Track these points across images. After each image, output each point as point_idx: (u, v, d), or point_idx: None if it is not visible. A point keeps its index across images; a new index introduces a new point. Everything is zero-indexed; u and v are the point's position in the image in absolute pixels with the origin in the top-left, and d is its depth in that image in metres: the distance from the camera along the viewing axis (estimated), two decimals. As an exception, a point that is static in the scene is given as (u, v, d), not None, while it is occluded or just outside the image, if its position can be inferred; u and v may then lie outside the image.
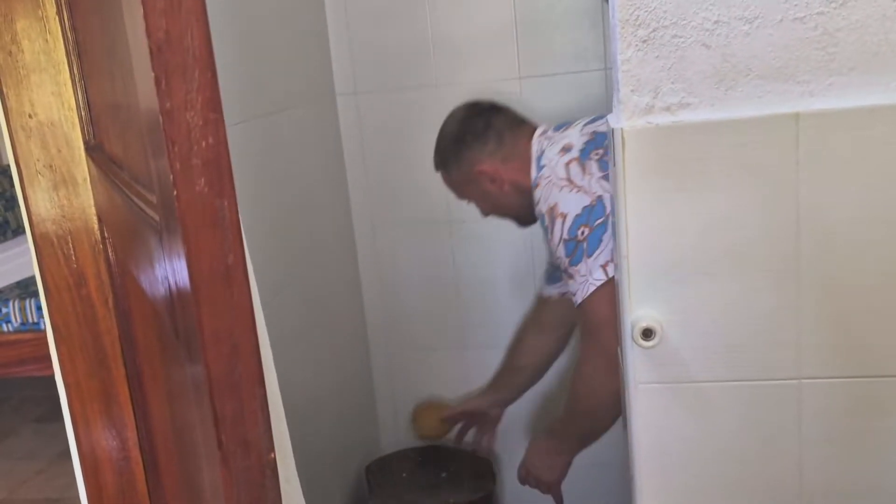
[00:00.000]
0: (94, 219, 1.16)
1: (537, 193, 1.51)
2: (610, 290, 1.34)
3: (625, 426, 2.09)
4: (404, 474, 2.11)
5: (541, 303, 1.95)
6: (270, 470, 0.50)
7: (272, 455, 0.50)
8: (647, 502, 1.18)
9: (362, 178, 2.18)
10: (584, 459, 2.15)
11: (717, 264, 1.07)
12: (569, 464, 1.73)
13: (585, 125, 1.55)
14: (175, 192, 0.45)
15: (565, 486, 2.20)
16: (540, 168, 1.52)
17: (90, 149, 1.08)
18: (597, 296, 1.41)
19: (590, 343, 1.48)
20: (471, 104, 1.69)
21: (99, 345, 1.20)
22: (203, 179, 0.45)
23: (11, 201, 3.41)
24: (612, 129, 1.08)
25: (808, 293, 1.06)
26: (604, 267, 1.39)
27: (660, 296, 1.09)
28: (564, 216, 1.42)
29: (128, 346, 1.21)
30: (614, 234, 1.13)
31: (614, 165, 1.08)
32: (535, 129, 1.63)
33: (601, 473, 2.27)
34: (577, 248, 1.40)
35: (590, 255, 1.40)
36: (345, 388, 2.09)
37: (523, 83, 2.05)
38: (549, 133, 1.60)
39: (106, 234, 1.16)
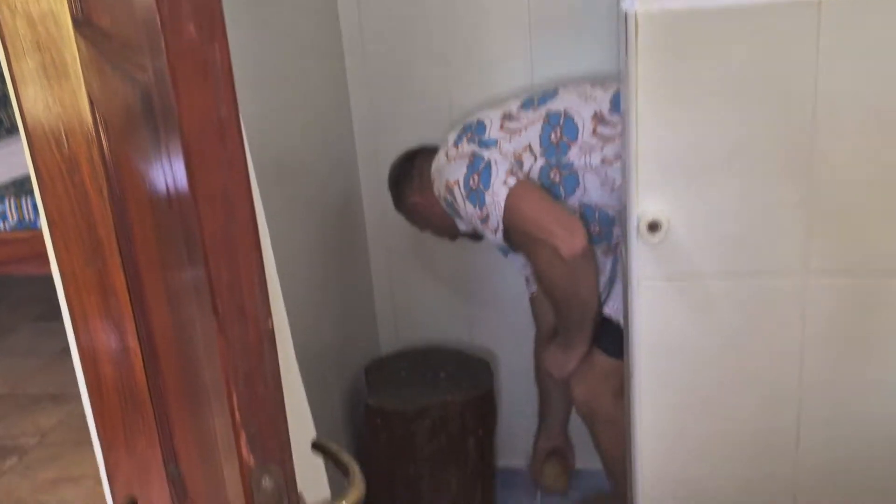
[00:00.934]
0: (86, 101, 1.12)
1: (435, 189, 1.74)
2: (519, 192, 1.55)
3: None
4: (403, 374, 2.12)
5: (534, 309, 2.12)
6: (268, 339, 0.49)
7: (270, 323, 0.48)
8: (646, 399, 1.18)
9: (360, 65, 2.11)
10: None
11: (730, 156, 1.04)
12: (579, 357, 1.80)
13: (457, 126, 1.78)
14: (163, 40, 0.42)
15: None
16: (431, 172, 1.77)
17: (78, 24, 1.03)
18: (510, 202, 1.56)
19: (527, 242, 1.61)
20: (403, 154, 1.98)
21: (94, 234, 1.18)
22: (192, 24, 0.41)
23: (3, 99, 3.34)
24: (626, 13, 1.03)
25: (819, 188, 1.04)
26: (504, 183, 1.56)
27: (668, 189, 1.07)
28: (457, 181, 1.62)
29: (124, 237, 1.19)
30: (626, 124, 1.10)
31: (626, 52, 1.04)
32: None
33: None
34: (477, 193, 1.59)
35: (487, 188, 1.57)
36: (344, 289, 2.08)
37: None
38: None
39: (98, 118, 1.12)
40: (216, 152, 0.44)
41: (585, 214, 1.63)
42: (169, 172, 0.48)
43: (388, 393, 2.02)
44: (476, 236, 1.89)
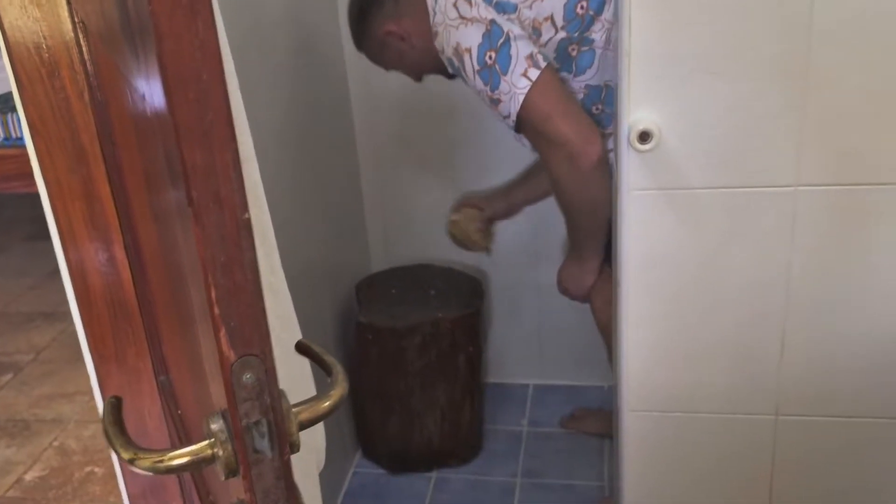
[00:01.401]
0: (64, 4, 1.08)
1: (438, 42, 1.55)
2: (542, 87, 1.41)
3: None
4: (393, 291, 2.13)
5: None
6: (245, 229, 0.48)
7: (247, 215, 0.48)
8: (633, 308, 1.18)
9: None
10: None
11: (724, 61, 1.02)
12: (595, 269, 1.73)
13: None
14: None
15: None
16: (434, 15, 1.55)
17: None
18: (529, 99, 1.43)
19: (543, 143, 1.49)
20: None
21: (77, 141, 1.16)
22: None
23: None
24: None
25: (812, 94, 1.02)
26: (524, 74, 1.42)
27: (660, 96, 1.05)
28: (469, 50, 1.46)
29: (107, 143, 1.17)
30: (618, 28, 1.07)
31: (620, -47, 1.01)
32: None
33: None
34: (492, 72, 1.44)
35: (505, 73, 1.43)
36: (334, 206, 2.07)
37: None
38: None
39: (76, 21, 1.09)
40: (187, 35, 0.42)
41: (591, 94, 1.53)
42: (143, 64, 0.47)
43: (378, 310, 2.03)
44: (451, 76, 1.69)
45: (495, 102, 1.47)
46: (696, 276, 1.15)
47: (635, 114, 1.06)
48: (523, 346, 2.42)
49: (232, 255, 0.48)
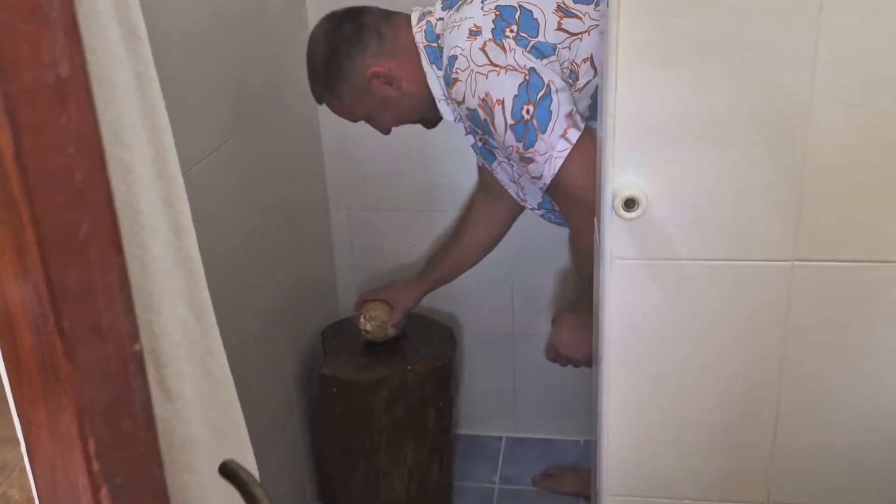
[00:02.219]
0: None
1: (458, 90, 1.34)
2: (581, 153, 1.27)
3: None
4: (361, 339, 2.02)
5: (485, 171, 1.77)
6: (136, 363, 0.38)
7: (137, 346, 0.37)
8: (615, 385, 1.09)
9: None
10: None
11: (716, 125, 0.93)
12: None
13: (485, 0, 1.35)
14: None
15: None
16: (451, 61, 1.33)
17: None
18: (569, 165, 1.30)
19: (574, 208, 1.36)
20: (327, 17, 1.50)
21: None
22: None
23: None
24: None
25: (812, 164, 0.94)
26: (563, 136, 1.28)
27: (646, 161, 0.96)
28: (502, 102, 1.28)
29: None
30: (601, 89, 0.98)
31: (607, 4, 0.92)
32: (408, 17, 1.47)
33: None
34: (528, 129, 1.28)
35: (544, 131, 1.28)
36: (303, 249, 1.96)
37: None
38: (437, 13, 1.43)
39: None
40: (55, 126, 0.33)
41: None
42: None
43: (344, 360, 1.92)
44: (430, 124, 1.56)
45: (526, 161, 1.32)
46: (682, 353, 1.05)
47: (620, 179, 0.97)
48: (496, 397, 2.32)
49: (118, 397, 0.37)
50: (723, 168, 0.95)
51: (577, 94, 1.33)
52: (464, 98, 1.33)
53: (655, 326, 1.04)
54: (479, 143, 1.53)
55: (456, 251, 1.91)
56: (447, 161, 2.06)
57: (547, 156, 1.29)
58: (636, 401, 1.09)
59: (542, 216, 1.66)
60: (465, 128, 1.50)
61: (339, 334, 2.04)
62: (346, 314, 2.24)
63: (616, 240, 1.00)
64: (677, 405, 1.09)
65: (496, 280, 2.15)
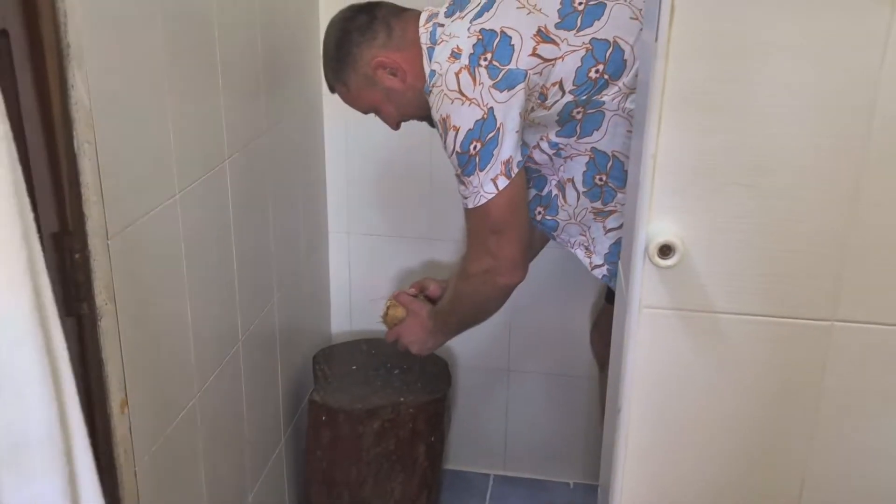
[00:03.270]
0: None
1: (431, 100, 1.44)
2: (500, 202, 1.41)
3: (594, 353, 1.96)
4: (354, 367, 1.96)
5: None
6: None
7: None
8: (633, 439, 1.03)
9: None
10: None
11: (763, 172, 0.89)
12: (442, 344, 1.77)
13: (473, 20, 1.42)
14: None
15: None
16: (431, 74, 1.44)
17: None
18: (489, 206, 1.42)
19: (478, 244, 1.50)
20: (346, 7, 1.57)
21: None
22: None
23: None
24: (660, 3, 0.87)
25: (861, 219, 0.89)
26: (493, 181, 1.40)
27: (686, 208, 0.91)
28: (457, 129, 1.38)
29: None
30: (641, 127, 0.93)
31: (655, 38, 0.88)
32: (418, 15, 1.52)
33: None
34: (470, 162, 1.40)
35: (482, 170, 1.40)
36: (296, 270, 1.90)
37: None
38: (441, 18, 1.49)
39: None
40: None
41: (597, 160, 1.46)
42: None
43: (336, 388, 1.86)
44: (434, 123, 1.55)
45: (460, 181, 1.44)
46: (708, 408, 1.00)
47: (656, 223, 0.92)
48: (487, 434, 2.26)
49: None
50: (764, 219, 0.91)
51: (545, 111, 1.42)
52: (432, 107, 1.44)
53: (682, 379, 0.99)
54: None
55: None
56: (451, 192, 2.01)
57: (476, 189, 1.42)
58: (655, 454, 1.04)
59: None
60: None
61: (332, 360, 1.98)
62: (340, 340, 2.18)
63: (647, 287, 0.95)
64: (699, 462, 1.03)
65: (494, 316, 2.10)
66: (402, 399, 1.82)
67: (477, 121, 1.36)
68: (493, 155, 1.38)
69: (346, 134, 2.02)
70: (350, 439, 1.80)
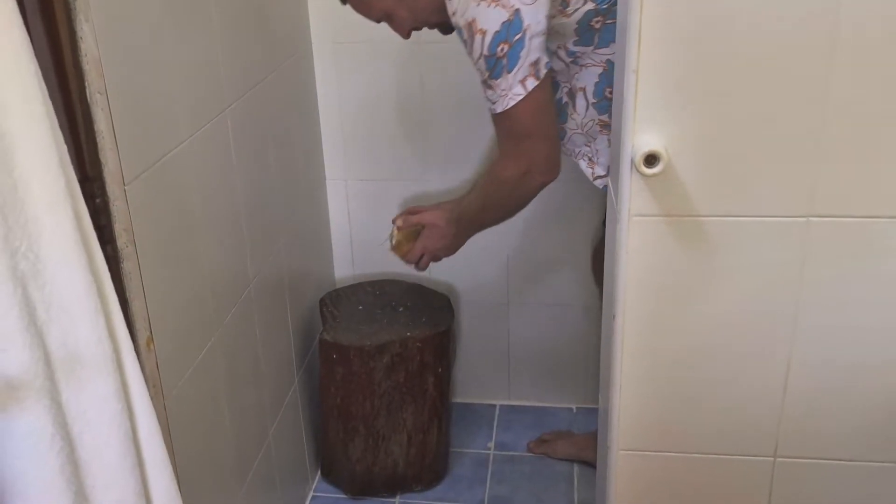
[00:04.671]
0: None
1: (452, 4, 1.44)
2: (531, 104, 1.42)
3: (593, 267, 2.03)
4: (360, 307, 2.03)
5: None
6: None
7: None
8: (629, 340, 1.11)
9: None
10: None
11: (738, 80, 0.95)
12: (461, 245, 1.78)
13: None
14: None
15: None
16: None
17: None
18: (518, 108, 1.43)
19: (511, 146, 1.51)
20: None
21: None
22: None
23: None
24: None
25: (833, 119, 0.96)
26: (522, 82, 1.41)
27: (668, 117, 0.98)
28: (484, 32, 1.38)
29: None
30: (623, 43, 0.99)
31: (631, -39, 0.93)
32: None
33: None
34: (497, 64, 1.40)
35: (510, 71, 1.40)
36: (298, 214, 1.96)
37: None
38: None
39: None
40: None
41: (609, 72, 1.48)
42: None
43: (344, 327, 1.94)
44: (448, 28, 1.55)
45: (487, 86, 1.44)
46: (697, 308, 1.08)
47: (641, 133, 0.98)
48: (491, 366, 2.34)
49: None
50: (743, 124, 0.97)
51: (565, 19, 1.44)
52: (454, 12, 1.43)
53: (672, 282, 1.06)
54: None
55: None
56: (443, 132, 2.06)
57: (504, 93, 1.42)
58: (650, 356, 1.11)
59: None
60: None
61: (338, 302, 2.05)
62: (343, 283, 2.25)
63: (634, 196, 1.02)
64: (690, 359, 1.11)
65: (491, 251, 2.17)
66: (408, 333, 1.89)
67: (503, 22, 1.36)
68: (520, 56, 1.38)
69: (337, 82, 2.06)
70: (362, 374, 1.88)
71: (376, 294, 2.10)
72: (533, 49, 1.39)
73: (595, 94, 1.54)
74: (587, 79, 1.53)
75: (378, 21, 1.59)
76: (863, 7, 0.91)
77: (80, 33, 1.02)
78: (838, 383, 1.11)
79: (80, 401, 0.73)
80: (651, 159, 0.97)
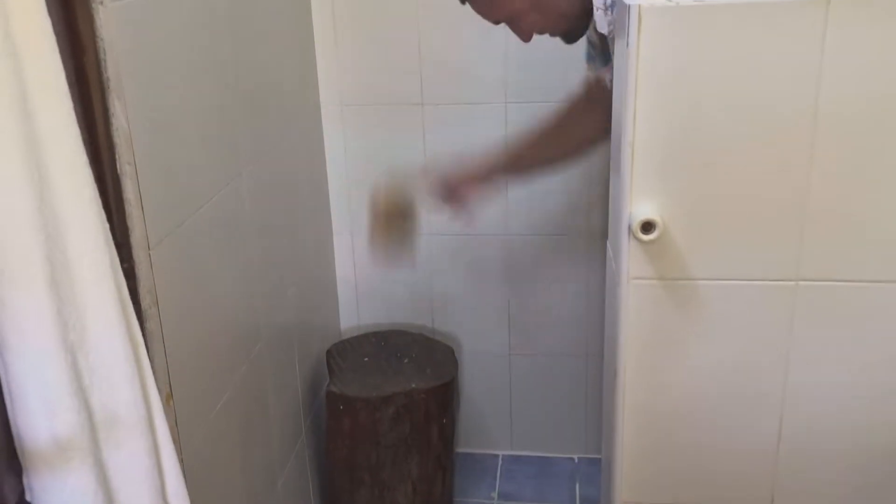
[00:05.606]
0: None
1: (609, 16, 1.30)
2: None
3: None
4: (365, 359, 2.09)
5: (589, 85, 1.59)
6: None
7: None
8: (630, 395, 1.16)
9: (332, 54, 2.05)
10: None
11: (725, 153, 1.02)
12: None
13: None
14: None
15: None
16: None
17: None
18: None
19: None
20: None
21: None
22: None
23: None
24: (628, 6, 1.00)
25: (816, 189, 1.02)
26: None
27: (662, 188, 1.04)
28: None
29: None
30: (619, 120, 1.06)
31: (626, 46, 1.01)
32: None
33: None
34: None
35: None
36: (306, 269, 2.03)
37: None
38: None
39: None
40: None
41: None
42: None
43: (351, 379, 1.98)
44: (576, 36, 1.43)
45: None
46: (693, 364, 1.13)
47: (638, 204, 1.05)
48: (494, 416, 2.39)
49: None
50: (731, 194, 1.04)
51: None
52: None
53: (669, 340, 1.12)
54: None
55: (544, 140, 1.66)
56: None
57: None
58: (650, 410, 1.16)
59: None
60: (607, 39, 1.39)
61: (344, 353, 2.10)
62: (348, 334, 2.30)
63: (633, 260, 1.08)
64: (687, 413, 1.16)
65: (493, 302, 2.23)
66: (413, 385, 1.94)
67: None
68: None
69: (344, 141, 2.14)
70: (368, 425, 1.92)
71: (381, 345, 2.15)
72: None
73: None
74: None
75: (497, 22, 1.41)
76: (841, 85, 0.98)
77: (112, 109, 1.10)
78: (829, 439, 1.15)
79: (118, 458, 0.79)
80: (647, 227, 1.04)
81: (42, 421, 0.71)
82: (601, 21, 1.33)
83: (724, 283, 1.08)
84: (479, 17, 1.40)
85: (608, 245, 1.22)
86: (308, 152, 2.04)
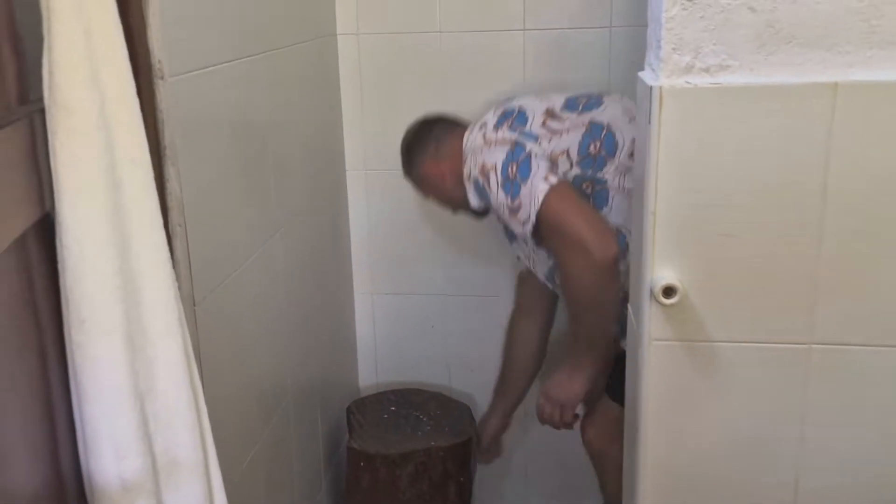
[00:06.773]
0: None
1: (466, 168, 1.68)
2: (559, 193, 1.53)
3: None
4: (385, 416, 2.13)
5: (519, 283, 2.07)
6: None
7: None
8: (651, 454, 1.21)
9: (358, 121, 2.15)
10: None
11: (740, 223, 1.09)
12: (585, 382, 1.73)
13: (497, 107, 1.77)
14: None
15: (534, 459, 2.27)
16: (465, 153, 1.72)
17: None
18: (548, 198, 1.53)
19: (560, 242, 1.56)
20: (421, 119, 1.90)
21: None
22: None
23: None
24: (650, 87, 1.08)
25: (827, 257, 1.09)
26: (545, 178, 1.54)
27: (682, 255, 1.11)
28: (494, 166, 1.59)
29: None
30: (641, 191, 1.14)
31: (648, 122, 1.09)
32: (465, 128, 1.79)
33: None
34: (513, 184, 1.56)
35: (525, 180, 1.55)
36: (331, 326, 2.08)
37: (526, 35, 2.04)
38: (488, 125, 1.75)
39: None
40: None
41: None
42: None
43: (370, 435, 2.03)
44: (479, 214, 1.82)
45: (514, 211, 1.57)
46: (711, 423, 1.19)
47: (659, 269, 1.12)
48: (509, 475, 2.41)
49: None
50: (746, 262, 1.11)
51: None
52: (469, 173, 1.67)
53: (688, 399, 1.17)
54: (503, 228, 1.77)
55: (512, 368, 2.12)
56: (466, 248, 2.21)
57: (530, 196, 1.54)
58: (670, 468, 1.21)
59: (551, 289, 1.87)
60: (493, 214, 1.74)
61: (364, 410, 2.15)
62: (367, 392, 2.35)
63: (654, 323, 1.14)
64: (706, 471, 1.21)
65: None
66: (432, 443, 1.98)
67: (507, 152, 1.59)
68: (531, 166, 1.55)
69: (367, 203, 2.22)
70: (387, 482, 1.96)
71: (400, 403, 2.20)
72: (542, 163, 1.56)
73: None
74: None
75: (427, 199, 1.94)
76: (848, 161, 1.05)
77: (166, 175, 1.17)
78: (844, 499, 1.20)
79: (177, 501, 0.84)
80: (668, 291, 1.10)
81: (111, 464, 0.77)
82: (473, 198, 1.69)
83: (740, 346, 1.14)
84: None
85: (629, 308, 1.28)
86: (333, 214, 2.12)
